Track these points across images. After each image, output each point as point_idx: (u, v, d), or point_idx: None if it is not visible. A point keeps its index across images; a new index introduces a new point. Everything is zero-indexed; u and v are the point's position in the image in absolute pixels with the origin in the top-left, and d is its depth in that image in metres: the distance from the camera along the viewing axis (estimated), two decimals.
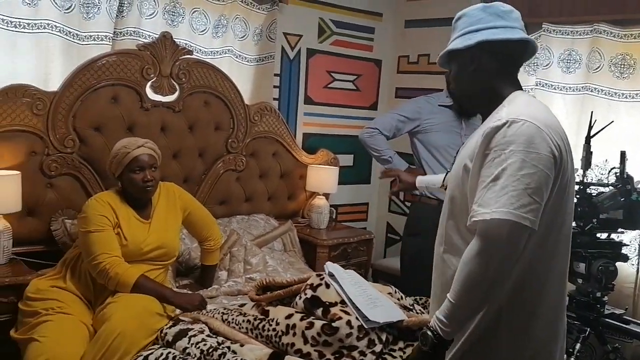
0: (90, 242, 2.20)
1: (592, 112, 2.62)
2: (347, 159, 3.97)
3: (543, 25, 3.23)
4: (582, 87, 3.14)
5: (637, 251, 2.93)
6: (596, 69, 3.10)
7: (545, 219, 1.26)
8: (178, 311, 2.26)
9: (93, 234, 2.20)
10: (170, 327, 2.02)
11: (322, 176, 3.54)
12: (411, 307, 2.18)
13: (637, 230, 2.79)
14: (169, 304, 2.22)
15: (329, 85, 3.87)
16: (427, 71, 3.97)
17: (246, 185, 3.40)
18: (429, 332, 1.31)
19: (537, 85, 3.27)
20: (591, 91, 3.11)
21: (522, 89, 1.44)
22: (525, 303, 1.33)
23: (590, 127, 2.61)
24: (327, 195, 3.63)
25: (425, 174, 2.97)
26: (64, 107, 2.65)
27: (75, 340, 2.02)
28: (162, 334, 2.00)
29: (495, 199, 1.22)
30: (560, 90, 3.22)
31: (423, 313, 2.24)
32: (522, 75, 3.40)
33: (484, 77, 1.43)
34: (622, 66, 3.04)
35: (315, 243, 3.38)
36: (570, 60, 3.19)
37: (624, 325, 2.50)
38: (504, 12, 1.42)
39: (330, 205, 3.62)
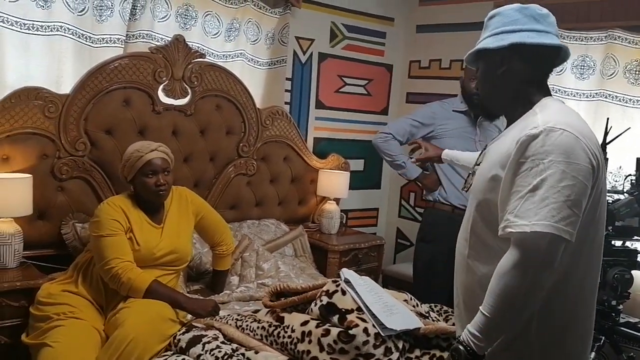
0: (102, 247, 2.18)
1: (607, 118, 2.59)
2: (357, 164, 3.95)
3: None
4: (596, 93, 3.12)
5: None
6: (610, 75, 3.07)
7: (580, 231, 1.23)
8: (189, 317, 2.24)
9: (105, 238, 2.18)
10: (183, 334, 2.00)
11: (333, 181, 3.52)
12: (427, 315, 2.15)
13: None
14: (182, 309, 2.20)
15: (340, 90, 3.85)
16: (439, 76, 3.95)
17: (257, 190, 3.38)
18: (461, 347, 1.26)
19: (550, 91, 3.23)
20: (605, 97, 3.09)
21: (551, 95, 1.40)
22: (558, 315, 1.30)
23: (605, 134, 2.58)
24: (337, 200, 3.61)
25: (439, 180, 2.96)
26: (75, 110, 2.64)
27: (87, 345, 1.99)
28: (176, 340, 1.98)
29: (535, 211, 1.19)
30: (574, 96, 3.20)
31: (439, 320, 2.21)
32: None
33: (513, 80, 1.39)
34: (637, 72, 3.01)
35: (326, 248, 3.35)
36: (584, 66, 3.16)
37: (639, 334, 2.47)
38: (541, 15, 1.38)
39: (341, 210, 3.59)
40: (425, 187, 3.03)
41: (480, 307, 1.25)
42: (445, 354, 1.91)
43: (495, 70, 1.40)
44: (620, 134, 2.52)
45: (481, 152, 1.53)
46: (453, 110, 2.96)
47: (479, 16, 3.57)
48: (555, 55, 1.40)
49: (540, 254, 1.19)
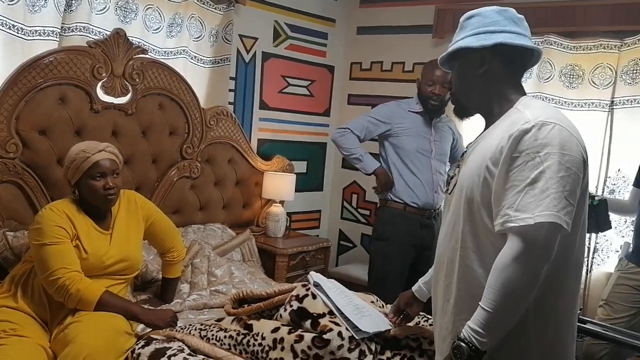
0: (46, 256, 1.99)
1: None
2: (300, 166, 3.90)
3: None
4: (534, 95, 3.23)
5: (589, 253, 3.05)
6: (547, 79, 3.21)
7: (573, 222, 1.26)
8: (141, 327, 2.09)
9: (49, 246, 1.99)
10: (142, 347, 1.86)
11: (279, 183, 3.45)
12: None
13: (599, 233, 2.91)
14: (138, 321, 2.05)
15: (283, 90, 3.78)
16: (380, 78, 3.98)
17: (201, 193, 3.24)
18: (463, 344, 1.25)
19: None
20: (542, 100, 3.22)
21: (526, 93, 1.44)
22: (557, 307, 1.32)
23: None
24: (282, 203, 3.55)
25: (392, 177, 2.98)
26: (6, 108, 2.40)
27: None
28: (135, 355, 1.84)
29: (537, 203, 1.20)
30: None
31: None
32: None
33: (492, 80, 1.41)
34: (572, 76, 3.16)
35: (274, 252, 3.28)
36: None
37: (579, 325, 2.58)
38: (519, 19, 1.43)
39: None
40: (379, 183, 3.01)
41: (480, 303, 1.25)
42: (416, 354, 1.90)
43: (475, 70, 1.42)
44: None
45: (462, 155, 1.53)
46: (409, 111, 3.01)
47: (420, 19, 3.71)
48: (530, 58, 1.45)
49: (541, 245, 1.20)
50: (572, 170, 1.23)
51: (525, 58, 1.44)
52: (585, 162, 1.28)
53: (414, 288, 1.83)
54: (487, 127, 1.46)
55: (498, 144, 1.30)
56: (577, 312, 1.41)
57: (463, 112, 1.57)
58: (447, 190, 1.54)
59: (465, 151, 1.52)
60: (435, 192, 2.98)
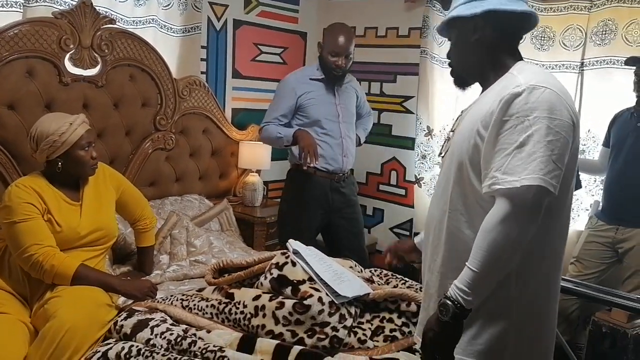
0: (17, 234, 1.97)
1: None
2: None
3: None
4: None
5: None
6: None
7: (560, 185, 1.27)
8: (122, 299, 2.10)
9: (19, 224, 1.98)
10: (125, 319, 1.87)
11: (255, 153, 3.44)
12: (371, 280, 2.17)
13: None
14: (116, 292, 2.06)
15: (256, 58, 3.74)
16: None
17: (176, 165, 3.23)
18: (449, 302, 1.28)
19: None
20: None
21: (523, 60, 1.42)
22: (538, 270, 1.35)
23: None
24: (259, 172, 3.55)
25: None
26: None
27: (16, 340, 1.81)
28: (117, 327, 1.85)
29: (523, 166, 1.22)
30: None
31: (382, 284, 2.25)
32: (448, 48, 3.49)
33: (486, 47, 1.40)
34: (543, 39, 3.18)
35: (252, 221, 3.30)
36: None
37: None
38: None
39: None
40: (304, 142, 2.70)
41: (467, 263, 1.27)
42: (394, 315, 1.95)
43: (469, 38, 1.40)
44: None
45: (456, 120, 1.53)
46: (310, 79, 2.90)
47: None
48: (525, 22, 1.42)
49: (528, 207, 1.22)
50: (561, 134, 1.24)
51: (520, 23, 1.41)
52: (575, 126, 1.29)
53: (416, 239, 1.84)
54: (482, 92, 1.46)
55: (489, 108, 1.31)
56: (560, 273, 1.43)
57: (462, 82, 1.53)
58: (440, 154, 1.55)
59: (460, 115, 1.52)
60: (344, 157, 2.93)
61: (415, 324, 1.93)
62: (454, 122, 1.55)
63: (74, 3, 2.63)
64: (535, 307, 1.37)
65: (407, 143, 3.77)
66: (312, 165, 2.69)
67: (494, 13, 1.35)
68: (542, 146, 1.22)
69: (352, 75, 3.10)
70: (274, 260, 1.96)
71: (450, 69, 1.53)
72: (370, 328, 1.90)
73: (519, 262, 1.29)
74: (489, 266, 1.25)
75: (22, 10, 2.54)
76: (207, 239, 2.71)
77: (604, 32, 2.97)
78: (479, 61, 1.43)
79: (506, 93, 1.27)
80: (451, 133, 1.51)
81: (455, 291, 1.28)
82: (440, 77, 3.52)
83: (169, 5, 3.10)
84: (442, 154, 1.52)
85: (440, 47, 3.49)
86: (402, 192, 3.87)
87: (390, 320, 1.94)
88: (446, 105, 3.52)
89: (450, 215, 1.40)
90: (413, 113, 3.69)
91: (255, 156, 3.45)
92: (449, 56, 1.52)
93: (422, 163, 3.62)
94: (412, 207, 3.75)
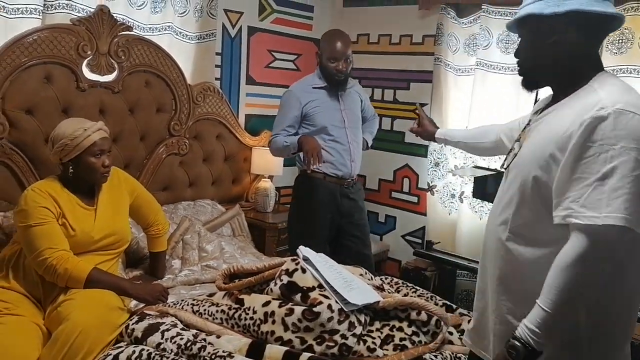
0: (32, 237, 2.01)
1: (537, 91, 2.71)
2: None
3: (482, 7, 3.30)
4: None
5: None
6: None
7: None
8: (134, 303, 2.13)
9: (34, 228, 2.01)
10: (137, 322, 1.89)
11: (268, 158, 3.45)
12: (382, 287, 2.18)
13: None
14: (128, 296, 2.09)
15: (270, 65, 3.77)
16: (367, 51, 3.97)
17: (190, 170, 3.26)
18: (519, 344, 1.19)
19: (477, 65, 3.35)
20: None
21: (604, 69, 1.30)
22: (612, 307, 1.25)
23: (535, 105, 2.71)
24: (271, 178, 3.57)
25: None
26: None
27: (30, 342, 1.84)
28: (129, 330, 1.87)
29: (607, 202, 1.12)
30: (499, 70, 3.32)
31: (392, 292, 2.25)
32: (462, 56, 3.49)
33: (564, 51, 1.27)
34: (621, 41, 3.07)
35: (264, 227, 3.32)
36: (508, 41, 3.28)
37: None
38: None
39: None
40: (309, 147, 2.70)
41: (538, 301, 1.18)
42: (404, 324, 1.95)
43: (545, 39, 1.28)
44: None
45: (524, 129, 1.42)
46: (313, 87, 2.91)
47: None
48: (610, 25, 1.28)
49: (610, 247, 1.13)
50: None
51: (604, 26, 1.27)
52: None
53: (436, 133, 1.94)
54: (555, 99, 1.34)
55: (567, 128, 1.19)
56: (636, 314, 1.32)
57: (531, 84, 1.41)
58: (504, 165, 1.45)
59: (528, 125, 1.41)
60: (352, 162, 2.95)
61: (425, 333, 1.94)
62: (521, 131, 1.43)
63: (92, 10, 2.67)
64: (609, 346, 1.28)
65: (420, 150, 3.77)
66: (315, 167, 2.71)
67: (578, 14, 1.22)
68: (629, 181, 1.11)
69: (354, 79, 3.13)
70: (284, 267, 1.98)
71: (518, 68, 1.41)
72: (379, 336, 1.91)
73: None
74: (562, 306, 1.16)
75: (41, 17, 2.58)
76: (218, 244, 2.73)
77: (620, 41, 2.93)
78: (555, 64, 1.31)
79: (588, 116, 1.16)
80: (516, 144, 1.41)
81: (526, 332, 1.19)
82: (454, 84, 3.52)
83: (184, 12, 3.14)
84: (506, 165, 1.42)
85: (454, 54, 3.49)
86: (415, 199, 3.86)
87: (400, 329, 1.94)
88: (460, 113, 3.52)
89: (511, 234, 1.32)
90: None
91: (267, 162, 3.47)
92: (517, 55, 1.39)
93: (435, 171, 3.62)
94: (425, 214, 3.74)
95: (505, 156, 1.49)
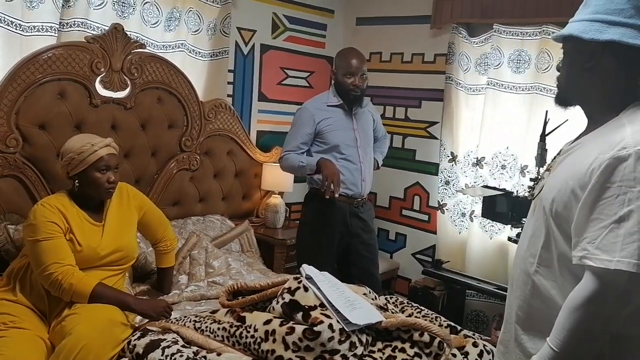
0: (39, 252, 2.03)
1: (547, 110, 2.71)
2: None
3: (494, 26, 3.30)
4: (532, 86, 3.24)
5: None
6: (545, 69, 3.20)
7: None
8: (139, 318, 2.15)
9: (42, 242, 2.04)
10: (138, 338, 1.90)
11: (278, 175, 3.47)
12: (385, 307, 2.16)
13: None
14: (132, 311, 2.10)
15: (282, 82, 3.80)
16: (379, 69, 3.98)
17: (200, 185, 3.28)
18: None
19: (488, 84, 3.35)
20: (540, 90, 3.21)
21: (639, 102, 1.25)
22: (631, 346, 1.22)
23: (544, 125, 2.70)
24: (282, 194, 3.58)
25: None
26: (6, 104, 2.45)
27: (34, 355, 1.86)
28: (131, 346, 1.88)
29: (621, 246, 1.09)
30: (510, 89, 3.31)
31: (396, 312, 2.23)
32: (473, 75, 3.49)
33: (600, 78, 1.24)
34: None
35: (273, 243, 3.32)
36: (520, 60, 3.27)
37: None
38: None
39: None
40: (328, 171, 2.71)
41: (548, 340, 1.18)
42: (407, 345, 1.93)
43: (582, 63, 1.25)
44: (559, 126, 2.63)
45: (554, 158, 1.38)
46: (328, 105, 2.92)
47: (418, 10, 3.70)
48: None
49: (620, 291, 1.11)
50: None
51: None
52: None
53: None
54: (587, 129, 1.30)
55: (590, 164, 1.16)
56: None
57: (563, 101, 1.36)
58: (532, 194, 1.42)
59: (559, 154, 1.36)
60: (363, 181, 2.94)
61: (427, 354, 1.92)
62: (552, 159, 1.39)
63: (107, 28, 2.73)
64: None
65: (431, 169, 3.76)
66: (335, 195, 2.70)
67: (619, 44, 1.19)
68: None
69: (367, 98, 3.14)
70: (286, 285, 1.97)
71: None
72: (381, 357, 1.89)
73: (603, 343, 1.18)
74: (571, 347, 1.14)
75: (56, 35, 2.65)
76: (225, 260, 2.74)
77: None
78: (588, 88, 1.27)
79: (609, 155, 1.13)
80: (546, 173, 1.37)
81: None
82: (465, 103, 3.52)
83: (198, 30, 3.19)
84: (534, 195, 1.38)
85: (466, 73, 3.49)
86: (425, 217, 3.84)
87: (403, 350, 1.92)
88: (471, 132, 3.51)
89: (537, 268, 1.29)
90: (437, 139, 3.69)
91: (278, 178, 3.49)
92: (558, 68, 1.35)
93: (446, 189, 3.61)
94: (435, 233, 3.72)
95: (533, 184, 1.46)
